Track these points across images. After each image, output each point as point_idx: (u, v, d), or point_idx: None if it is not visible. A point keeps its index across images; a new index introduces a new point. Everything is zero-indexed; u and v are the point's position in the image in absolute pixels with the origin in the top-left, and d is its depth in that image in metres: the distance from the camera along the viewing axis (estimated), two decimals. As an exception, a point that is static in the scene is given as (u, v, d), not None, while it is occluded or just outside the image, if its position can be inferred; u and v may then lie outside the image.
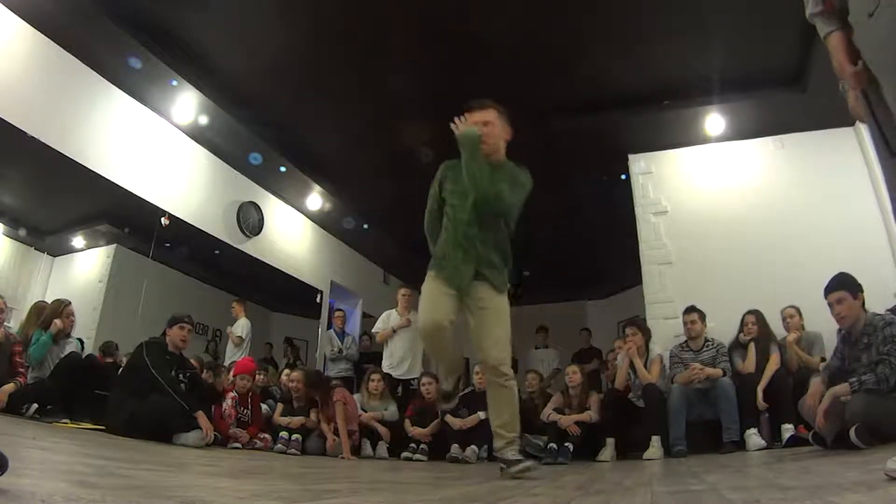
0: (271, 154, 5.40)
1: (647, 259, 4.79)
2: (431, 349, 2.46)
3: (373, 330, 5.54)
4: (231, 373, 4.49)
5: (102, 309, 4.56)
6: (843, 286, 2.71)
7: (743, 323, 3.93)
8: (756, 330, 3.86)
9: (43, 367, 3.46)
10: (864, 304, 2.71)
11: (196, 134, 5.13)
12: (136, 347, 3.34)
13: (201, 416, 3.14)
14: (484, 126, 2.30)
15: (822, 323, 3.64)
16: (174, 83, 4.36)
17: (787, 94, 4.30)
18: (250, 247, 5.87)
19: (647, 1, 3.65)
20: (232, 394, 4.11)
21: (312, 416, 4.23)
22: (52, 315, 3.56)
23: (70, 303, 3.71)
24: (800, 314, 3.89)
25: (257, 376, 4.54)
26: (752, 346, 3.81)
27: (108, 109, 4.37)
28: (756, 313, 3.91)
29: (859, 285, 2.72)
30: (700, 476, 1.96)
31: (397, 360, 5.32)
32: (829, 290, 2.75)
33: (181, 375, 3.33)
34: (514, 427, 2.25)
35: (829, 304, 2.75)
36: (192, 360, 3.96)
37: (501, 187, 2.28)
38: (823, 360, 3.66)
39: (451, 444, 4.06)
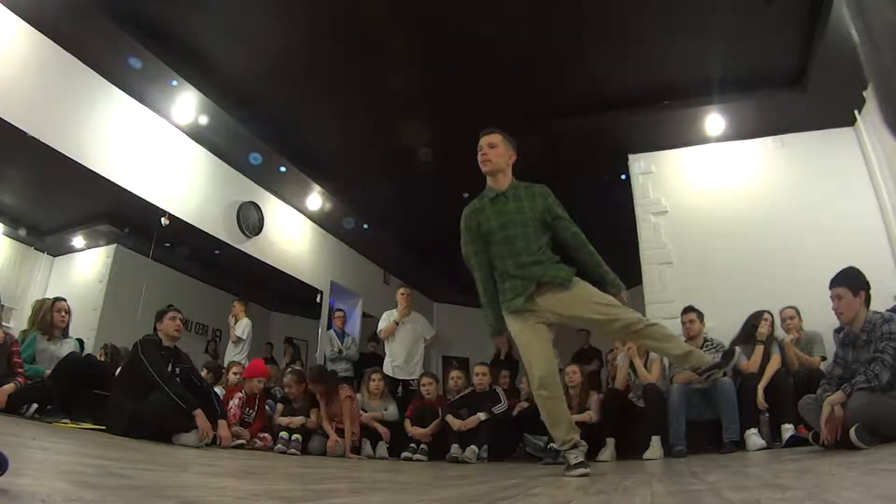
0: (271, 154, 5.39)
1: (647, 259, 4.79)
2: (545, 405, 2.40)
3: (378, 330, 5.56)
4: (237, 373, 4.50)
5: (102, 309, 4.55)
6: (845, 282, 2.71)
7: (763, 319, 3.83)
8: (771, 330, 3.84)
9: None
10: (868, 301, 2.71)
11: (196, 134, 5.12)
12: (133, 347, 3.34)
13: (199, 415, 3.12)
14: (489, 148, 2.55)
15: (822, 322, 3.65)
16: (174, 83, 4.35)
17: (787, 94, 4.30)
18: (250, 247, 5.86)
19: (647, 1, 3.64)
20: (239, 394, 4.12)
21: (313, 416, 4.23)
22: (42, 313, 3.58)
23: (61, 299, 3.70)
24: (799, 315, 3.88)
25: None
26: (759, 346, 3.79)
27: (108, 109, 4.37)
28: (770, 313, 3.88)
29: (864, 282, 2.71)
30: (700, 476, 1.96)
31: (399, 360, 5.34)
32: (832, 284, 2.76)
33: (176, 369, 3.32)
34: (563, 432, 2.36)
35: (831, 298, 2.76)
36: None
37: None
38: (824, 358, 3.66)
39: (451, 444, 4.06)
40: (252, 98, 4.73)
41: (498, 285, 2.56)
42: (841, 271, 2.78)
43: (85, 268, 4.80)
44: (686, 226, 4.78)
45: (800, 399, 2.94)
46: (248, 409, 4.12)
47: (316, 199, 6.35)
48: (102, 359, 4.10)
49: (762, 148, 4.83)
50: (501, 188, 2.57)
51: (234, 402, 4.06)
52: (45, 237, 4.49)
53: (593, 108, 4.68)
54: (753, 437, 3.41)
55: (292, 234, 6.58)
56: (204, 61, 4.28)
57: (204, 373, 4.43)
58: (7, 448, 0.90)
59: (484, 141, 2.56)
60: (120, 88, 4.44)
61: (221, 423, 3.39)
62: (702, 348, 3.93)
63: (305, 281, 6.68)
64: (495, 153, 2.55)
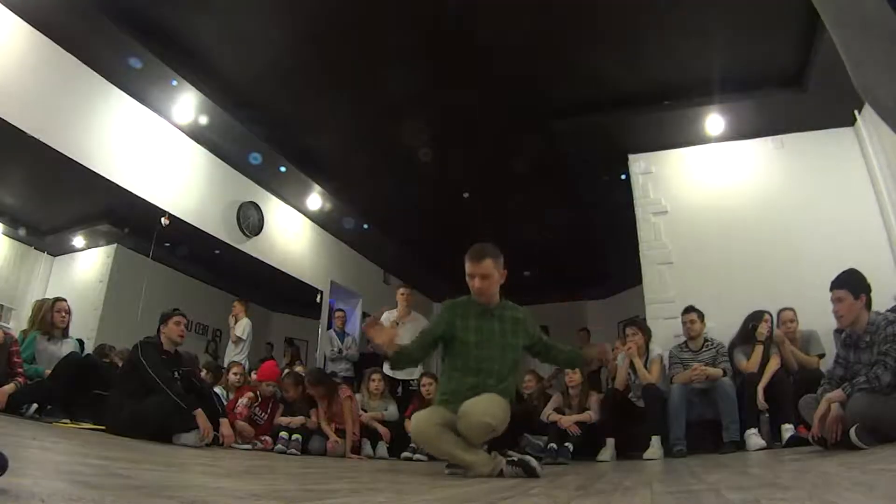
0: (271, 154, 5.40)
1: (647, 259, 4.79)
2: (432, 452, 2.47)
3: None
4: (237, 373, 4.50)
5: (103, 309, 4.56)
6: (846, 285, 2.68)
7: (763, 320, 3.80)
8: (771, 330, 3.83)
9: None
10: (869, 304, 2.69)
11: (196, 134, 5.13)
12: (132, 348, 3.34)
13: (200, 415, 3.13)
14: (482, 280, 2.46)
15: (821, 324, 3.64)
16: (174, 83, 4.36)
17: (787, 94, 4.30)
18: (250, 247, 5.87)
19: (647, 1, 3.65)
20: (250, 394, 4.12)
21: (313, 416, 4.23)
22: (42, 313, 3.58)
23: (61, 299, 3.70)
24: (797, 317, 3.86)
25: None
26: (759, 347, 3.77)
27: (108, 109, 4.37)
28: (770, 314, 3.87)
29: (865, 285, 2.68)
30: (700, 476, 1.96)
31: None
32: (832, 286, 2.73)
33: (176, 373, 3.32)
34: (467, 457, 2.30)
35: (831, 300, 2.74)
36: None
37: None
38: (822, 356, 3.66)
39: (451, 445, 4.05)
40: (252, 98, 4.74)
41: (446, 371, 2.54)
42: (842, 273, 2.74)
43: (85, 268, 4.80)
44: (686, 226, 4.79)
45: (800, 399, 2.93)
46: (260, 411, 4.13)
47: (316, 199, 6.35)
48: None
49: (762, 148, 4.83)
50: (490, 305, 2.51)
51: (242, 402, 4.08)
52: (45, 237, 4.49)
53: (593, 108, 4.68)
54: (753, 437, 3.41)
55: (292, 234, 6.59)
56: (204, 61, 4.28)
57: (203, 373, 4.43)
58: (7, 448, 0.90)
59: (476, 270, 2.45)
60: (120, 88, 4.45)
61: (223, 421, 3.39)
62: (702, 349, 3.94)
63: (305, 281, 6.68)
64: (489, 284, 2.46)
